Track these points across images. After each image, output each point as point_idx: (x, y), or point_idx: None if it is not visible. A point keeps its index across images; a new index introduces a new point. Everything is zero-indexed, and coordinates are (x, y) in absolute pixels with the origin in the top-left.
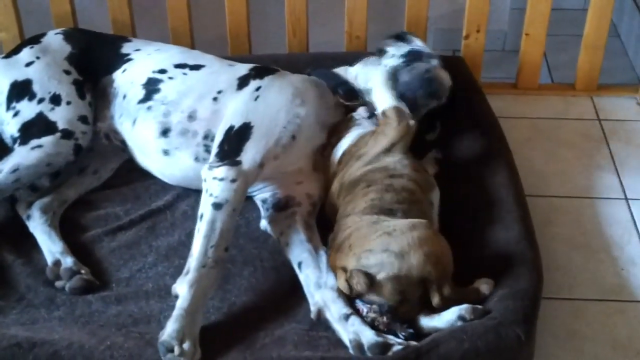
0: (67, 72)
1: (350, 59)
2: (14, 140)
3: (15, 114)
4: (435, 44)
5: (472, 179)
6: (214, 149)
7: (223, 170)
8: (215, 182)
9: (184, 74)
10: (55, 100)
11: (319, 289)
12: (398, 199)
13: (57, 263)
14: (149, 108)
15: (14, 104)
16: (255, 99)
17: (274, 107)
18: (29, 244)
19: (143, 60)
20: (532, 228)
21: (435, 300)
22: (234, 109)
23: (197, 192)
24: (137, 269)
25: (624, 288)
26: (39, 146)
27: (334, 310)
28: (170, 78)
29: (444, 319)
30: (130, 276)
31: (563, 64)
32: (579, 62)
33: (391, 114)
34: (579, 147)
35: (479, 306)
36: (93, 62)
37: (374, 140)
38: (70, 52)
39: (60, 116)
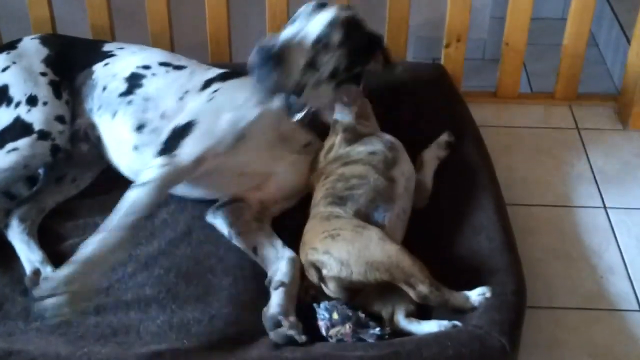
0: (43, 74)
1: None
2: None
3: None
4: (415, 52)
5: (453, 187)
6: (158, 145)
7: (156, 160)
8: (146, 170)
9: (167, 72)
10: (32, 101)
11: (277, 261)
12: (347, 186)
13: (36, 272)
14: (129, 102)
15: None
16: (209, 100)
17: (222, 107)
18: (6, 253)
19: (127, 56)
20: (513, 237)
21: (412, 295)
22: (188, 109)
23: (178, 201)
24: (116, 279)
25: (603, 296)
26: (15, 149)
27: (276, 278)
28: (154, 75)
29: (423, 329)
30: (109, 286)
31: (542, 73)
32: (558, 71)
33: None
34: (559, 156)
35: (459, 324)
36: (71, 61)
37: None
38: (47, 55)
39: (36, 117)
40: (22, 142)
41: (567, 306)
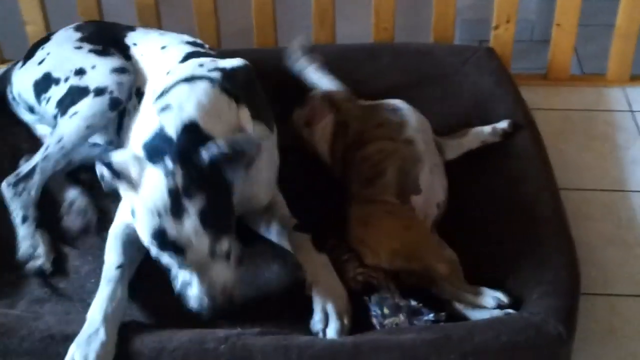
0: (79, 48)
1: (377, 50)
2: (55, 117)
3: (48, 100)
4: (461, 34)
5: (504, 171)
6: None
7: None
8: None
9: None
10: (80, 72)
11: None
12: (372, 163)
13: (71, 203)
14: None
15: (43, 96)
16: None
17: None
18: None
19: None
20: (567, 222)
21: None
22: None
23: None
24: None
25: None
26: (75, 113)
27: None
28: None
29: (476, 315)
30: None
31: (594, 55)
32: (610, 52)
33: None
34: (612, 139)
35: (512, 311)
36: (105, 39)
37: None
38: (80, 37)
39: (90, 80)
40: (81, 105)
41: (623, 293)
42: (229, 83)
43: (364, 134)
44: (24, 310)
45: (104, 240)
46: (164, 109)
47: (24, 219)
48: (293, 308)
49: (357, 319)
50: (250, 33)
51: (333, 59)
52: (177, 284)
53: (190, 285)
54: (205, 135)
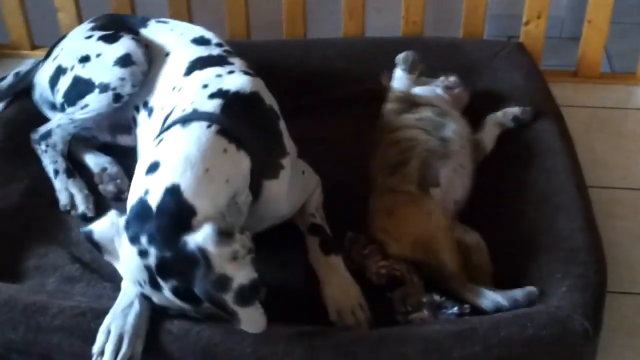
0: (89, 37)
1: (407, 44)
2: (62, 105)
3: (57, 91)
4: (490, 30)
5: (533, 167)
6: None
7: None
8: None
9: None
10: (85, 59)
11: None
12: (399, 150)
13: (103, 169)
14: None
15: (56, 88)
16: None
17: None
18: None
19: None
20: (594, 218)
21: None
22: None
23: None
24: None
25: None
26: (86, 105)
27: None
28: None
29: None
30: None
31: (624, 53)
32: None
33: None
34: None
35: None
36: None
37: None
38: (92, 26)
39: (93, 72)
40: (88, 99)
41: None
42: (229, 119)
43: (400, 121)
44: (54, 289)
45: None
46: (151, 169)
47: (56, 173)
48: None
49: (380, 316)
50: (280, 24)
51: (362, 51)
52: None
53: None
54: (187, 208)
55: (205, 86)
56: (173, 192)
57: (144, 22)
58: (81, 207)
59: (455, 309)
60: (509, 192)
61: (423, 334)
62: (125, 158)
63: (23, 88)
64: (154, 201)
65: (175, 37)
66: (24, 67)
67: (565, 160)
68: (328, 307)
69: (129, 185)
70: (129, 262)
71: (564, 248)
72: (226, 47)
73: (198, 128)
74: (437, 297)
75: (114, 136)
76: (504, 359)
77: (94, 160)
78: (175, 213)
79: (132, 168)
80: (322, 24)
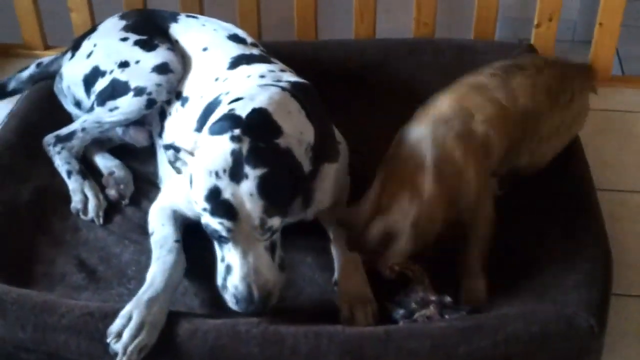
0: (124, 39)
1: (418, 45)
2: (92, 104)
3: (94, 92)
4: (500, 32)
5: (543, 170)
6: None
7: None
8: None
9: None
10: (124, 65)
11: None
12: None
13: (110, 173)
14: None
15: (92, 89)
16: None
17: None
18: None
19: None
20: (602, 220)
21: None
22: None
23: None
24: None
25: None
26: (116, 107)
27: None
28: None
29: None
30: None
31: (635, 56)
32: None
33: None
34: None
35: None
36: (150, 25)
37: None
38: (125, 25)
39: (132, 76)
40: (121, 101)
41: None
42: (298, 93)
43: None
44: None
45: (129, 219)
46: (234, 100)
47: (69, 173)
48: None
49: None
50: (291, 25)
51: (372, 53)
52: (221, 271)
53: (232, 272)
54: (275, 125)
55: (262, 76)
56: (261, 112)
57: (174, 17)
58: (91, 213)
59: (464, 311)
60: (517, 190)
61: (429, 330)
62: (135, 159)
63: (44, 78)
64: (242, 113)
65: (209, 32)
66: (46, 58)
67: (574, 162)
68: (341, 300)
69: (132, 192)
70: (213, 150)
71: (571, 246)
72: (261, 48)
73: (274, 89)
74: (448, 299)
75: (126, 128)
76: (510, 355)
77: (103, 163)
78: (265, 121)
79: (142, 170)
80: (334, 25)
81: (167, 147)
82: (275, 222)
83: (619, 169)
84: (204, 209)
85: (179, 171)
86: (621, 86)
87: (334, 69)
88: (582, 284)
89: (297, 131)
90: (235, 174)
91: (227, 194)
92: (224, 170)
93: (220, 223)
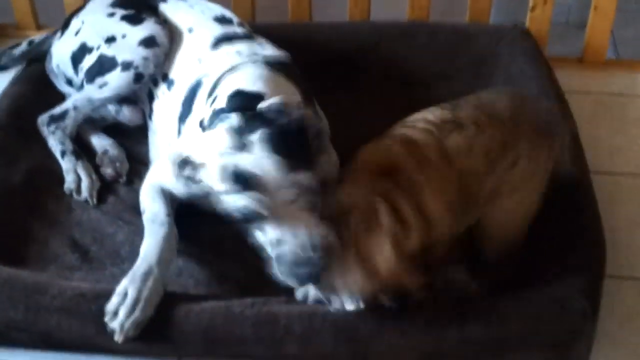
0: (112, 14)
1: (412, 28)
2: (81, 82)
3: (82, 69)
4: (494, 16)
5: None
6: None
7: None
8: None
9: None
10: (110, 39)
11: None
12: None
13: (104, 152)
14: None
15: (80, 66)
16: None
17: None
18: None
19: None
20: (596, 203)
21: None
22: None
23: None
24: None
25: None
26: (105, 83)
27: None
28: None
29: None
30: None
31: (630, 40)
32: None
33: None
34: None
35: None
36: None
37: None
38: (113, 1)
39: (118, 50)
40: (109, 77)
41: None
42: (275, 65)
43: None
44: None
45: (123, 199)
46: (213, 101)
47: (63, 153)
48: None
49: None
50: (285, 7)
51: (366, 36)
52: (270, 249)
53: (281, 244)
54: (255, 95)
55: (238, 52)
56: (239, 92)
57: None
58: (85, 193)
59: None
60: None
61: (423, 311)
62: (128, 139)
63: (35, 56)
64: (223, 104)
65: (196, 14)
66: (38, 36)
67: (569, 146)
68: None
69: (128, 169)
70: (211, 138)
71: (565, 229)
72: (248, 28)
73: (246, 68)
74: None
75: (119, 107)
76: (503, 337)
77: (97, 142)
78: (245, 99)
79: (135, 150)
80: (328, 7)
81: (181, 165)
82: (303, 177)
83: (613, 151)
84: (227, 191)
85: (199, 181)
86: (615, 69)
87: (327, 51)
88: (575, 267)
89: (279, 93)
90: (239, 146)
91: (241, 165)
92: (227, 147)
93: (250, 197)
